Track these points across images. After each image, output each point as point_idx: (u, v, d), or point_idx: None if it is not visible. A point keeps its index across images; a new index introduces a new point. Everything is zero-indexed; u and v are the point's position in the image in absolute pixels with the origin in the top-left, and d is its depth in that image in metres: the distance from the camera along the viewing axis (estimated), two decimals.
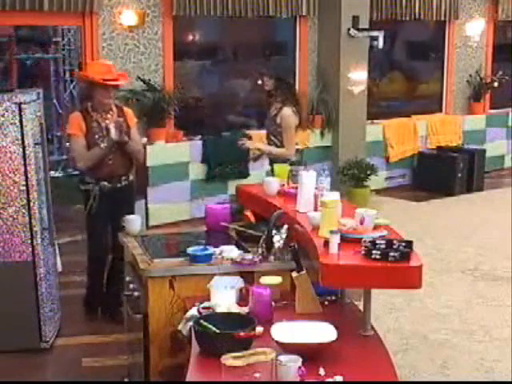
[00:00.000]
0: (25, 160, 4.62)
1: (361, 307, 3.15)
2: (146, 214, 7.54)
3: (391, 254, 2.82)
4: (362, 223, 3.11)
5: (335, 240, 2.93)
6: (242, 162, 8.00)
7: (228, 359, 2.47)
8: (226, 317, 2.92)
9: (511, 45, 11.30)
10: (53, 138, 10.66)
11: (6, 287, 4.72)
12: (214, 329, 2.77)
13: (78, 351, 4.86)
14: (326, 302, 3.27)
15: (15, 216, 4.67)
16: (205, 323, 2.81)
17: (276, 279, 3.28)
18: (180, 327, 3.18)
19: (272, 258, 3.59)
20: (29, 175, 4.64)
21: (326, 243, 2.97)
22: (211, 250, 3.65)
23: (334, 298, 3.32)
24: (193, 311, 3.13)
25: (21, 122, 4.58)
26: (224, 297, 3.13)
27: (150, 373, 3.61)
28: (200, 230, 4.37)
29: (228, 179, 8.14)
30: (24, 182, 4.64)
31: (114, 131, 4.98)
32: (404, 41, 10.81)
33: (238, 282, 3.36)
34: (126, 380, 4.33)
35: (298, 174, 3.86)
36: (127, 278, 4.07)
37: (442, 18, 10.07)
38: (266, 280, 3.25)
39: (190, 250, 3.64)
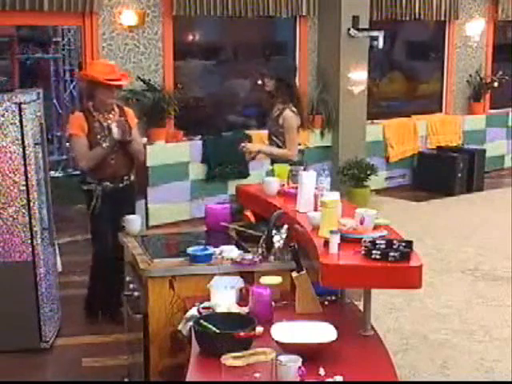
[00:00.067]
0: (25, 160, 4.62)
1: (361, 307, 3.15)
2: (146, 214, 7.54)
3: (391, 254, 2.82)
4: (362, 223, 3.11)
5: (335, 240, 2.93)
6: (242, 162, 7.98)
7: (228, 359, 2.47)
8: (226, 317, 2.92)
9: (511, 45, 11.30)
10: (53, 137, 10.66)
11: (5, 287, 4.72)
12: (213, 329, 2.77)
13: (78, 351, 4.86)
14: (326, 302, 3.27)
15: (15, 216, 4.67)
16: (205, 323, 2.81)
17: (276, 279, 3.28)
18: (180, 327, 3.18)
19: (272, 258, 3.59)
20: (29, 175, 4.64)
21: (326, 243, 2.97)
22: (211, 249, 3.65)
23: (333, 298, 3.32)
24: (193, 311, 3.13)
25: (21, 122, 4.58)
26: (224, 297, 3.13)
27: (150, 373, 3.61)
28: (200, 230, 4.37)
29: (228, 179, 8.14)
30: (24, 182, 4.64)
31: (116, 131, 4.97)
32: (404, 41, 10.81)
33: (238, 282, 3.36)
34: (125, 380, 4.33)
35: (298, 174, 3.86)
36: (127, 278, 4.07)
37: (442, 18, 10.07)
38: (265, 280, 3.25)
39: (189, 250, 3.64)
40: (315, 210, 3.52)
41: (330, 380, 2.53)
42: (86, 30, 7.44)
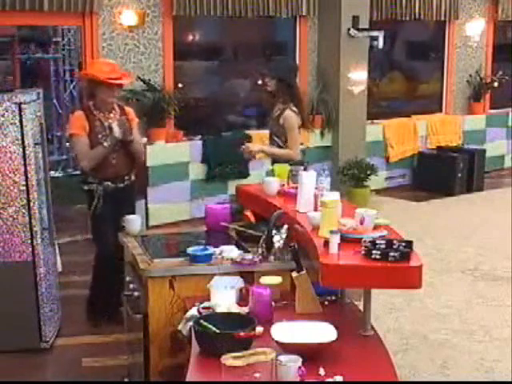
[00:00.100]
0: (25, 160, 4.62)
1: (361, 307, 3.15)
2: (146, 214, 7.55)
3: (391, 254, 2.82)
4: (362, 223, 3.11)
5: (335, 240, 2.93)
6: (242, 162, 8.00)
7: (228, 359, 2.47)
8: (226, 317, 2.92)
9: (511, 45, 11.31)
10: (53, 137, 10.66)
11: (5, 287, 4.72)
12: (213, 329, 2.77)
13: (78, 351, 4.86)
14: (326, 302, 3.27)
15: (15, 216, 4.67)
16: (205, 323, 2.81)
17: (276, 279, 3.28)
18: (180, 327, 3.18)
19: (272, 258, 3.59)
20: (29, 175, 4.64)
21: (326, 243, 2.97)
22: (211, 249, 3.65)
23: (333, 298, 3.32)
24: (193, 311, 3.13)
25: (21, 122, 4.58)
26: (224, 297, 3.13)
27: (150, 373, 3.61)
28: (200, 230, 4.37)
29: (228, 179, 8.14)
30: (24, 182, 4.64)
31: (117, 129, 4.95)
32: (404, 41, 10.81)
33: (238, 282, 3.36)
34: (126, 380, 4.33)
35: (298, 174, 3.86)
36: (127, 278, 4.07)
37: (442, 18, 10.07)
38: (266, 280, 3.25)
39: (189, 250, 3.64)
40: (315, 209, 3.52)
41: (330, 380, 2.53)
42: (85, 29, 7.44)
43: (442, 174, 9.50)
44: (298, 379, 2.47)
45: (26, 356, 4.72)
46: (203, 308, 3.09)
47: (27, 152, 4.62)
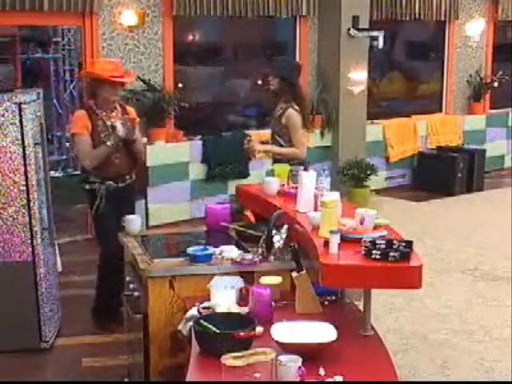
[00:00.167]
0: (25, 160, 4.62)
1: (361, 307, 3.15)
2: (146, 214, 7.54)
3: (391, 254, 2.82)
4: (362, 223, 3.11)
5: (335, 240, 2.93)
6: (242, 162, 8.00)
7: (228, 359, 2.47)
8: (226, 317, 2.92)
9: (511, 45, 11.30)
10: (53, 137, 10.65)
11: (5, 287, 4.72)
12: (213, 329, 2.77)
13: (78, 351, 4.86)
14: (326, 302, 3.27)
15: (15, 216, 4.67)
16: (205, 323, 2.81)
17: (276, 279, 3.28)
18: (180, 327, 3.18)
19: (272, 258, 3.59)
20: (29, 175, 4.64)
21: (326, 243, 2.97)
22: (211, 249, 3.65)
23: (333, 298, 3.32)
24: (193, 311, 3.13)
25: (21, 122, 4.58)
26: (224, 297, 3.13)
27: (150, 373, 3.61)
28: (200, 230, 4.37)
29: (228, 179, 8.14)
30: (24, 182, 4.64)
31: (121, 128, 4.93)
32: (404, 41, 10.80)
33: (238, 282, 3.36)
34: (126, 380, 4.33)
35: (298, 174, 3.86)
36: (127, 278, 4.07)
37: (442, 18, 10.07)
38: (265, 280, 3.25)
39: (189, 250, 3.64)
40: (315, 210, 3.52)
41: (330, 380, 2.53)
42: (85, 29, 7.44)
43: (442, 174, 9.50)
44: (298, 379, 2.47)
45: (26, 356, 4.72)
46: (203, 308, 3.09)
47: (27, 152, 4.62)
